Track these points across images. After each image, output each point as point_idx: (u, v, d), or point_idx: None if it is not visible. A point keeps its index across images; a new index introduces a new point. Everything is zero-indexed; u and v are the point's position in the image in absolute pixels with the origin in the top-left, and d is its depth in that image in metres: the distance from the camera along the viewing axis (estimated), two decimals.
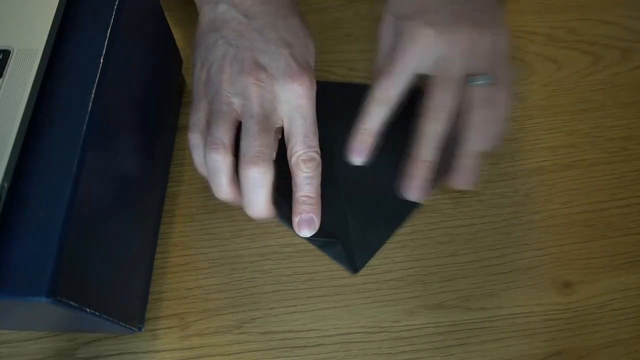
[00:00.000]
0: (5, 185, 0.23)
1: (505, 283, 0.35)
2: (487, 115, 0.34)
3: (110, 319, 0.28)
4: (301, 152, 0.33)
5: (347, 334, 0.34)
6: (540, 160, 0.40)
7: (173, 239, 0.37)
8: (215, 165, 0.32)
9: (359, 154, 0.35)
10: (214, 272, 0.36)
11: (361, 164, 0.35)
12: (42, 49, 0.26)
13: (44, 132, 0.25)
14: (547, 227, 0.37)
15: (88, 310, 0.25)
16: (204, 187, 0.39)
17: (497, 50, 0.34)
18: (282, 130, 0.34)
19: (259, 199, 0.33)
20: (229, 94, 0.32)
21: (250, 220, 0.37)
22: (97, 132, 0.25)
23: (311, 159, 0.33)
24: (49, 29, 0.27)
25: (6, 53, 0.26)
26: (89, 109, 0.25)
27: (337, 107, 0.39)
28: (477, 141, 0.34)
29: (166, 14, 0.37)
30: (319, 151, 0.33)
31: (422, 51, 0.34)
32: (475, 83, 0.33)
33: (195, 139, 0.34)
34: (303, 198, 0.34)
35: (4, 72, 0.25)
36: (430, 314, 0.35)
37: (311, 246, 0.37)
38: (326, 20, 0.46)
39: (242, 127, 0.32)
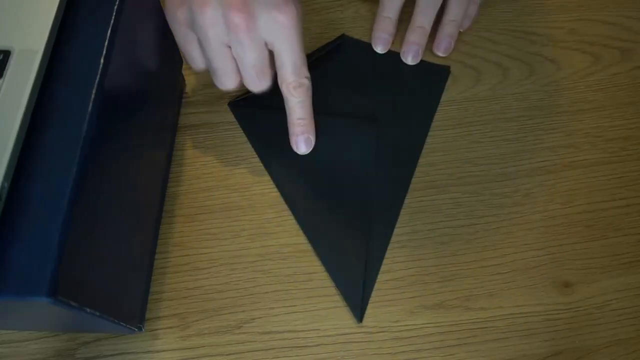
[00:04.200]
0: (5, 185, 0.23)
1: (505, 283, 0.35)
2: None
3: (110, 319, 0.28)
4: (290, 80, 0.35)
5: (347, 334, 0.34)
6: (540, 160, 0.40)
7: (173, 239, 0.37)
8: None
9: (382, 42, 0.40)
10: (214, 272, 0.36)
11: (383, 52, 0.41)
12: (42, 49, 0.26)
13: (44, 132, 0.25)
14: (547, 227, 0.37)
15: (88, 310, 0.25)
16: (204, 187, 0.39)
17: None
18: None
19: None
20: (220, 41, 0.34)
21: (250, 220, 0.38)
22: (97, 132, 0.25)
23: (301, 85, 0.36)
24: (49, 29, 0.27)
25: (6, 53, 0.26)
26: (89, 109, 0.25)
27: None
28: (456, 12, 0.40)
29: None
30: (309, 75, 0.36)
31: None
32: None
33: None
34: (297, 120, 0.37)
35: (4, 73, 0.25)
36: (430, 314, 0.35)
37: (311, 246, 0.37)
38: (326, 20, 0.46)
39: (242, 72, 0.36)
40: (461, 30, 0.42)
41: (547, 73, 0.43)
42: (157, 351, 0.34)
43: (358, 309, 0.34)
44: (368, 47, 0.44)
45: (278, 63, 0.35)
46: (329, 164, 0.39)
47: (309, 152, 0.38)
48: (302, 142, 0.38)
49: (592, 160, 0.40)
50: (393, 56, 0.43)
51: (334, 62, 0.43)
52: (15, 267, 0.22)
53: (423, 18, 0.40)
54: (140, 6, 0.32)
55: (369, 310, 0.35)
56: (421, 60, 0.43)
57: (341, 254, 0.36)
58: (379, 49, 0.41)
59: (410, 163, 0.39)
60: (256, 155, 0.40)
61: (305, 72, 0.36)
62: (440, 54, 0.42)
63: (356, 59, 0.43)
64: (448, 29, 0.41)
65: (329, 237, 0.37)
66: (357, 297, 0.35)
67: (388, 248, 0.36)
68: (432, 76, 0.42)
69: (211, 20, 0.33)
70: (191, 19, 0.34)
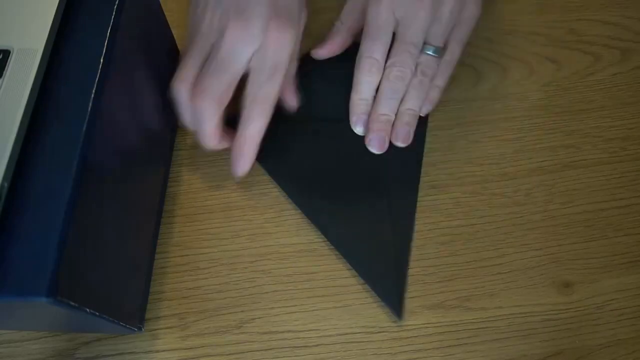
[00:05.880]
0: (5, 185, 0.23)
1: (505, 283, 0.35)
2: (424, 81, 0.37)
3: (110, 319, 0.28)
4: (249, 98, 0.34)
5: (347, 334, 0.34)
6: (540, 160, 0.40)
7: (173, 239, 0.37)
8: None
9: (361, 123, 0.38)
10: (214, 272, 0.36)
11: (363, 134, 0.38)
12: (42, 49, 0.26)
13: (44, 132, 0.25)
14: (547, 227, 0.37)
15: (88, 310, 0.25)
16: (204, 187, 0.39)
17: (462, 19, 0.38)
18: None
19: (204, 128, 0.34)
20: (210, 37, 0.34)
21: (250, 220, 0.38)
22: (97, 132, 0.25)
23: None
24: (49, 29, 0.27)
25: (6, 53, 0.26)
26: (89, 109, 0.25)
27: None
28: (414, 102, 0.38)
29: (166, 14, 0.37)
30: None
31: (387, 10, 0.36)
32: (426, 52, 0.37)
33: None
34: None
35: (4, 72, 0.25)
36: (430, 314, 0.35)
37: (311, 246, 0.37)
38: (326, 20, 0.46)
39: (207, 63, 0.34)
40: (422, 115, 0.39)
41: (547, 73, 0.43)
42: (157, 351, 0.34)
43: (397, 306, 0.34)
44: None
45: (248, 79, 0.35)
46: (336, 168, 0.38)
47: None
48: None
49: (592, 160, 0.40)
50: None
51: (334, 63, 0.43)
52: (15, 267, 0.22)
53: (385, 107, 0.38)
54: (140, 6, 0.32)
55: (369, 310, 0.35)
56: None
57: (369, 256, 0.36)
58: (359, 130, 0.38)
59: (414, 163, 0.39)
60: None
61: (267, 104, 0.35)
62: (399, 144, 0.38)
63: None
64: (406, 118, 0.38)
65: (353, 240, 0.36)
66: (394, 295, 0.34)
67: None
68: None
69: None
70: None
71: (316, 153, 0.39)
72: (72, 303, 0.23)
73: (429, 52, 0.37)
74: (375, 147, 0.38)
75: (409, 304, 0.35)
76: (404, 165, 0.39)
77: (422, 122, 0.40)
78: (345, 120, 0.39)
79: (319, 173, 0.39)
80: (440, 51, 0.38)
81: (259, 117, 0.34)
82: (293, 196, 0.38)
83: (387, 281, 0.35)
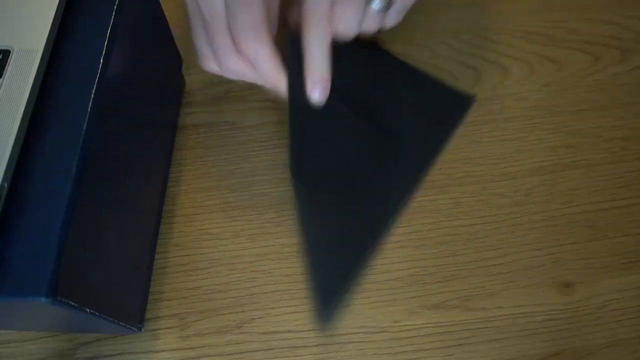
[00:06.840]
0: (5, 185, 0.23)
1: (505, 283, 0.35)
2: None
3: (110, 319, 0.28)
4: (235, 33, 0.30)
5: (347, 334, 0.34)
6: (540, 160, 0.40)
7: (173, 239, 0.37)
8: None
9: (317, 89, 0.33)
10: (214, 272, 0.36)
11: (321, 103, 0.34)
12: (42, 49, 0.26)
13: (44, 132, 0.25)
14: (547, 227, 0.37)
15: (88, 310, 0.25)
16: (204, 187, 0.39)
17: None
18: None
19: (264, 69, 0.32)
20: None
21: (250, 220, 0.38)
22: (97, 132, 0.25)
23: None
24: (49, 29, 0.27)
25: (6, 53, 0.26)
26: (89, 109, 0.25)
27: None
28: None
29: (166, 14, 0.37)
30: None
31: None
32: (373, 7, 0.32)
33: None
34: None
35: (4, 72, 0.25)
36: (430, 314, 0.35)
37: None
38: None
39: None
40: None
41: (547, 73, 0.43)
42: (157, 351, 0.34)
43: (327, 317, 0.33)
44: (399, 64, 0.39)
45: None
46: (340, 159, 0.36)
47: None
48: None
49: (592, 160, 0.40)
50: (415, 74, 0.39)
51: (357, 67, 0.38)
52: (15, 267, 0.22)
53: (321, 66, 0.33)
54: (140, 6, 0.32)
55: (369, 310, 0.35)
56: (446, 85, 0.39)
57: (323, 258, 0.34)
58: (315, 97, 0.33)
59: (408, 183, 0.36)
60: (256, 155, 0.40)
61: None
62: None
63: (377, 67, 0.39)
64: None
65: (319, 239, 0.34)
66: (330, 304, 0.33)
67: (388, 248, 0.36)
68: (452, 103, 0.39)
69: None
70: None
71: (331, 137, 0.36)
72: (72, 303, 0.23)
73: (374, 7, 0.32)
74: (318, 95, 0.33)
75: (409, 303, 0.35)
76: (404, 182, 0.36)
77: (438, 134, 0.38)
78: (355, 120, 0.36)
79: (324, 159, 0.36)
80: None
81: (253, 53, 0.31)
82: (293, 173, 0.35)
83: (329, 289, 0.33)
